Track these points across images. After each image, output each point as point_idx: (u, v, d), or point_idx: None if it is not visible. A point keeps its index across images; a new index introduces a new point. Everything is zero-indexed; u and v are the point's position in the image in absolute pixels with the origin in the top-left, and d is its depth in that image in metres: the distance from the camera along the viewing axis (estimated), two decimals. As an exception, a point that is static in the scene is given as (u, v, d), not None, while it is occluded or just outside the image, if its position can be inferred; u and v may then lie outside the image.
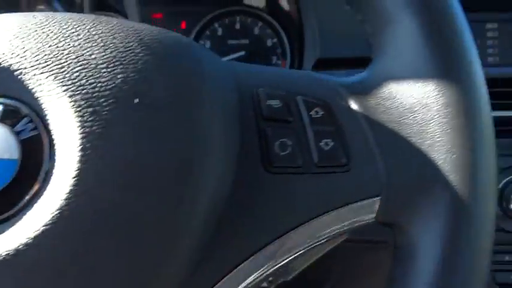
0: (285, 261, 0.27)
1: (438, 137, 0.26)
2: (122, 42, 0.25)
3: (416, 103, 0.27)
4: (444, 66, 0.27)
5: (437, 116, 0.27)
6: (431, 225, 0.26)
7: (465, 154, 0.26)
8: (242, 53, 0.75)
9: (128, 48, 0.25)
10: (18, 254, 0.20)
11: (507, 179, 0.54)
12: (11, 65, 0.23)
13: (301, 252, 0.28)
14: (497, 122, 0.58)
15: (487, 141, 0.27)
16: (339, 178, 0.27)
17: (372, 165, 0.27)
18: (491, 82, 0.60)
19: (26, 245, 0.20)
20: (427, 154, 0.27)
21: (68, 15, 0.26)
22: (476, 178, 0.26)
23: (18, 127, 0.23)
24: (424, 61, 0.27)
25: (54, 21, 0.25)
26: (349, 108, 0.28)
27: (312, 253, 0.65)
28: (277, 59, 0.75)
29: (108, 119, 0.23)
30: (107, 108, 0.23)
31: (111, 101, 0.23)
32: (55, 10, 0.79)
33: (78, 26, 0.25)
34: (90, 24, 0.26)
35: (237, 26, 0.77)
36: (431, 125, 0.27)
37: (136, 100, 0.23)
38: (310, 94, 0.29)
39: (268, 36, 0.76)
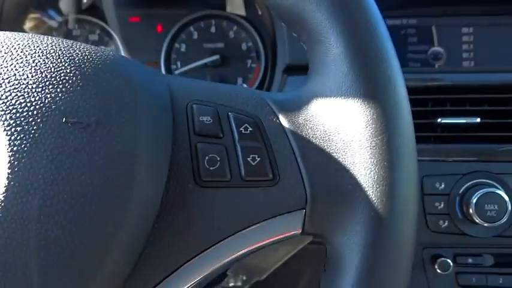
0: (213, 272, 0.28)
1: (358, 155, 0.27)
2: (53, 63, 0.26)
3: (340, 122, 0.28)
4: (367, 87, 0.28)
5: (358, 134, 0.28)
6: (353, 237, 0.27)
7: (383, 171, 0.27)
8: (217, 56, 0.75)
9: (59, 69, 0.26)
10: None
11: (467, 184, 0.55)
12: None
13: (230, 262, 0.28)
14: (462, 128, 0.59)
15: (406, 159, 0.28)
16: (265, 191, 0.28)
17: (297, 179, 0.28)
18: (458, 89, 0.61)
19: None
20: (349, 170, 0.28)
21: (2, 34, 0.27)
22: (393, 193, 0.27)
23: None
24: (349, 82, 0.28)
25: None
26: (278, 124, 0.29)
27: (280, 254, 0.66)
28: (251, 63, 0.76)
29: (35, 137, 0.24)
30: (35, 128, 0.24)
31: (38, 120, 0.24)
32: (49, 17, 0.80)
33: (13, 46, 0.26)
34: (25, 44, 0.26)
35: (213, 30, 0.77)
36: (353, 143, 0.28)
37: (63, 119, 0.24)
38: (242, 110, 0.30)
39: (243, 39, 0.77)
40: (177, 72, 0.77)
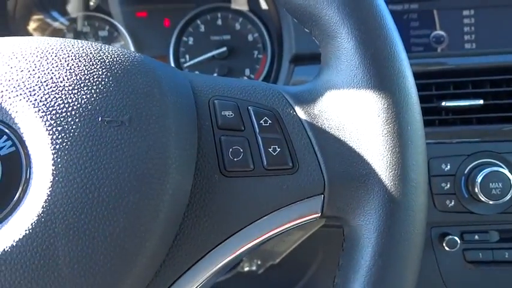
0: (240, 255, 0.31)
1: (372, 142, 0.30)
2: (86, 65, 0.28)
3: (353, 112, 0.30)
4: (378, 79, 0.30)
5: (371, 123, 0.30)
6: (369, 218, 0.30)
7: (395, 156, 0.29)
8: (224, 48, 0.77)
9: (92, 71, 0.28)
10: (6, 254, 0.24)
11: (472, 164, 0.58)
12: None
13: (256, 245, 0.31)
14: (466, 110, 0.61)
15: (415, 145, 0.30)
16: (286, 179, 0.30)
17: (316, 167, 0.31)
18: (461, 72, 0.63)
19: (13, 246, 0.24)
20: (363, 156, 0.30)
21: (37, 40, 0.29)
22: (405, 176, 0.29)
23: None
24: (360, 75, 0.30)
25: (25, 46, 0.28)
26: (295, 116, 0.32)
27: (294, 238, 0.69)
28: (258, 53, 0.78)
29: (75, 136, 0.26)
30: (74, 127, 0.26)
31: (77, 120, 0.26)
32: (53, 18, 0.82)
33: (47, 51, 0.28)
34: (58, 49, 0.29)
35: (219, 22, 0.79)
36: (366, 131, 0.30)
37: (99, 118, 0.27)
38: (260, 104, 0.32)
39: (249, 31, 0.79)
40: (185, 65, 0.79)
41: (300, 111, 0.32)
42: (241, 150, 0.30)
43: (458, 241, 0.59)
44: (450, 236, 0.59)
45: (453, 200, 0.58)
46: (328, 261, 0.78)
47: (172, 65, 0.78)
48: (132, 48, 0.79)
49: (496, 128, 0.60)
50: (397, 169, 0.29)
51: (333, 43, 0.32)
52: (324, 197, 0.31)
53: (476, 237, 0.61)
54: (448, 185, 0.58)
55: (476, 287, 0.62)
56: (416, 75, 0.65)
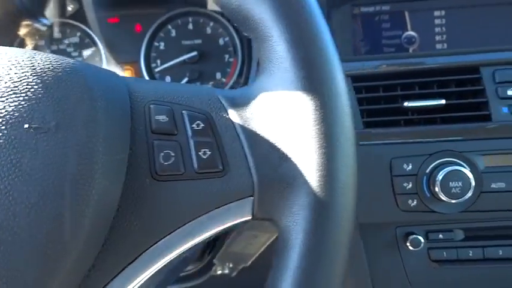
0: (171, 258, 0.31)
1: (300, 143, 0.30)
2: (17, 73, 0.29)
3: (284, 115, 0.31)
4: (307, 82, 0.30)
5: (300, 125, 0.30)
6: (297, 219, 0.30)
7: (322, 157, 0.30)
8: (195, 53, 0.78)
9: (21, 78, 0.28)
10: None
11: (433, 164, 0.58)
12: None
13: (187, 249, 0.31)
14: (430, 110, 0.61)
15: (343, 146, 0.30)
16: (216, 182, 0.31)
17: (246, 169, 0.31)
18: (427, 73, 0.64)
19: None
20: (291, 158, 0.30)
21: None
22: (332, 178, 0.30)
23: None
24: (291, 78, 0.31)
25: None
26: (227, 119, 0.32)
27: (262, 240, 0.69)
28: (229, 57, 0.79)
29: (0, 143, 0.26)
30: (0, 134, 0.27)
31: (3, 127, 0.27)
32: (42, 24, 0.82)
33: None
34: None
35: (190, 27, 0.80)
36: (295, 133, 0.30)
37: (26, 125, 0.27)
38: (195, 108, 0.32)
39: (220, 35, 0.79)
40: (157, 70, 0.79)
41: (233, 115, 0.32)
42: (173, 154, 0.31)
43: (422, 240, 0.60)
44: (414, 236, 0.60)
45: (415, 200, 0.58)
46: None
47: (144, 70, 0.79)
48: (104, 55, 0.80)
49: (459, 128, 0.60)
50: (324, 170, 0.30)
51: (266, 46, 0.32)
52: (253, 199, 0.31)
53: (441, 236, 0.61)
54: (410, 185, 0.58)
55: (442, 286, 0.62)
56: (383, 76, 0.66)
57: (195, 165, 0.31)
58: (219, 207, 0.31)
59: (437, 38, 0.86)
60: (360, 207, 0.61)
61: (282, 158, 0.31)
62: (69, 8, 0.82)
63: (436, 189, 0.56)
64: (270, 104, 0.32)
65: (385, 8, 0.86)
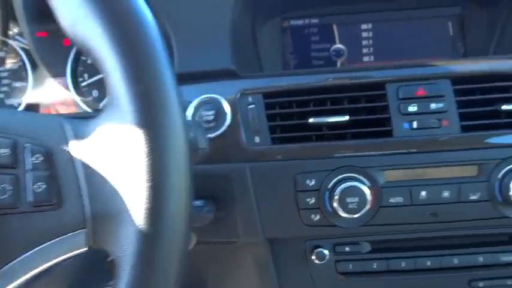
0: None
1: (131, 177, 0.31)
2: None
3: (118, 149, 0.32)
4: (140, 116, 0.31)
5: (130, 158, 0.31)
6: (125, 250, 0.31)
7: (149, 190, 0.31)
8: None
9: None
10: None
11: (335, 179, 0.59)
12: None
13: (20, 284, 0.32)
14: (341, 126, 0.63)
15: (171, 177, 0.31)
16: (49, 216, 0.32)
17: (80, 202, 0.32)
18: (337, 89, 0.65)
19: None
20: (121, 192, 0.31)
21: None
22: (158, 210, 0.31)
23: None
24: (126, 112, 0.32)
25: None
26: (67, 153, 0.33)
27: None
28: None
29: None
30: None
31: None
32: None
33: None
34: None
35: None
36: (126, 166, 0.31)
37: None
38: (37, 140, 0.33)
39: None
40: (83, 84, 0.80)
41: (73, 148, 0.33)
42: (9, 188, 0.31)
43: (327, 253, 0.61)
44: (319, 249, 0.61)
45: (318, 214, 0.60)
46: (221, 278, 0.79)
47: (70, 84, 0.79)
48: (29, 67, 0.80)
49: (363, 143, 0.61)
50: (150, 203, 0.31)
51: (107, 80, 0.33)
52: (86, 231, 0.32)
53: (347, 248, 0.63)
54: (313, 200, 0.60)
55: (348, 298, 0.64)
56: (294, 92, 0.67)
57: (31, 199, 0.32)
58: (52, 240, 0.32)
59: (365, 50, 0.88)
60: (266, 223, 0.63)
61: (113, 192, 0.32)
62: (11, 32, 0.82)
63: (335, 204, 0.58)
64: (107, 138, 0.33)
65: (314, 21, 0.88)
